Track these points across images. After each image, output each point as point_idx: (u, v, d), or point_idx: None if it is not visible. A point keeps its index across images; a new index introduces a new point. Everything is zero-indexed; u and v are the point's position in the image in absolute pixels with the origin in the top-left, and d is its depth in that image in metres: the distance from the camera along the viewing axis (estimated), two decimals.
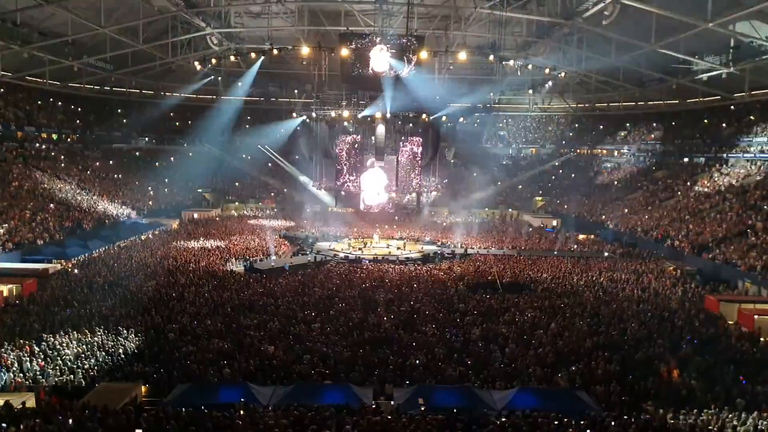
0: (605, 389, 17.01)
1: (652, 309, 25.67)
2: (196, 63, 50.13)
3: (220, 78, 58.96)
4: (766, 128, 48.81)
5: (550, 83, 58.66)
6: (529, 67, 50.97)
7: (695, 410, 15.26)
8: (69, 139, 59.05)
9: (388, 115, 49.20)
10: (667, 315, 24.72)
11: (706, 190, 47.98)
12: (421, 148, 52.51)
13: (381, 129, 50.00)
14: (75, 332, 20.82)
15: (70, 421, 12.98)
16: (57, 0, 36.62)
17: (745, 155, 49.67)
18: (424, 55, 46.74)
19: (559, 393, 16.71)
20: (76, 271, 31.62)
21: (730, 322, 24.47)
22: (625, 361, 19.12)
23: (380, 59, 46.89)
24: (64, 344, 19.51)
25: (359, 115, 49.13)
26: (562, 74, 52.65)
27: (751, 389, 16.70)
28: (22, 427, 12.48)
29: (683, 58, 43.44)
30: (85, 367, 18.00)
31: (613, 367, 18.65)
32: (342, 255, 39.92)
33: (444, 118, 52.41)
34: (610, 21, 42.38)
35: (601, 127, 69.41)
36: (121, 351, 19.44)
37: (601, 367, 18.64)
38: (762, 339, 21.94)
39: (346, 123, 51.00)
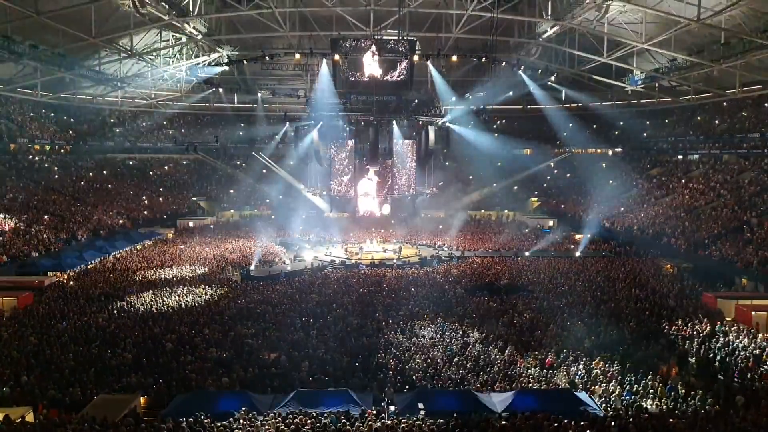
0: (605, 389, 17.03)
1: (650, 307, 25.69)
2: (188, 71, 50.15)
3: (212, 86, 58.87)
4: (759, 124, 49.03)
5: (542, 83, 58.88)
6: (522, 67, 51.15)
7: (694, 407, 15.29)
8: (62, 150, 58.87)
9: (382, 120, 49.37)
10: (665, 313, 24.75)
11: (701, 186, 48.11)
12: (415, 151, 52.69)
13: (375, 133, 50.13)
14: (72, 344, 20.72)
15: None
16: (48, 11, 36.52)
17: (738, 151, 49.86)
18: (416, 58, 46.89)
19: (559, 394, 16.71)
20: (71, 282, 31.47)
21: (727, 319, 24.53)
22: (624, 360, 19.12)
23: (372, 63, 47.07)
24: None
25: (352, 120, 49.25)
26: (555, 74, 52.84)
27: (750, 385, 16.72)
28: None
29: (674, 56, 43.66)
30: (83, 379, 17.90)
31: (612, 366, 18.66)
32: (338, 260, 39.86)
33: (438, 120, 52.54)
34: (600, 20, 42.64)
35: (595, 126, 69.56)
36: (118, 362, 19.33)
37: (600, 366, 18.65)
38: (760, 335, 21.98)
39: (339, 128, 51.11)
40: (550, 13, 42.85)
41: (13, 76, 48.36)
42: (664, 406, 15.62)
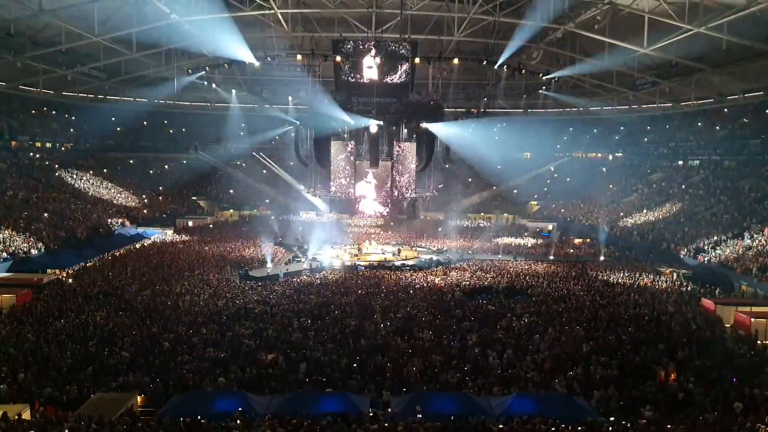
0: (603, 394, 16.97)
1: (649, 313, 25.65)
2: (190, 71, 50.10)
3: (213, 85, 58.85)
4: (759, 130, 49.06)
5: (543, 87, 58.92)
6: (523, 71, 51.12)
7: (692, 414, 15.26)
8: (63, 148, 58.89)
9: (382, 122, 49.33)
10: (664, 318, 24.72)
11: (701, 192, 48.12)
12: (415, 154, 52.65)
13: (375, 135, 50.12)
14: (70, 342, 20.68)
15: None
16: (51, 9, 36.50)
17: (738, 157, 49.88)
18: (417, 60, 46.84)
19: (557, 398, 16.66)
20: (70, 280, 31.42)
21: (727, 325, 24.49)
22: (622, 365, 19.08)
23: (373, 66, 47.05)
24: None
25: (353, 122, 49.21)
26: (556, 78, 52.87)
27: (749, 392, 16.67)
28: None
29: (675, 61, 43.66)
30: (80, 377, 17.85)
31: (611, 371, 18.61)
32: (337, 262, 39.83)
33: (438, 123, 52.52)
34: (602, 25, 42.62)
35: (596, 130, 69.66)
36: (116, 361, 19.29)
37: (598, 372, 18.60)
38: (759, 341, 21.95)
39: (340, 129, 51.08)
40: (552, 16, 42.86)
41: (14, 74, 48.33)
42: (662, 412, 15.56)
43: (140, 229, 49.41)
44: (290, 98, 58.99)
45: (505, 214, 61.86)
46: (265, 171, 63.44)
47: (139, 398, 16.55)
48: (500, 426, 14.05)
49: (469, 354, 20.34)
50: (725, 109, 52.85)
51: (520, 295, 29.52)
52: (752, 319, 23.78)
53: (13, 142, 52.73)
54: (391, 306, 26.85)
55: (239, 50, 47.32)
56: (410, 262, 40.15)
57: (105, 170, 60.86)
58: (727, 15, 32.88)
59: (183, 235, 49.04)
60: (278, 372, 18.61)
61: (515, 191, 66.49)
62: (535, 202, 65.02)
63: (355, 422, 14.16)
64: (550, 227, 55.14)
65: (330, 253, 43.17)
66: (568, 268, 36.87)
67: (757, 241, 35.29)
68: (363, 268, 37.63)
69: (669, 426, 14.02)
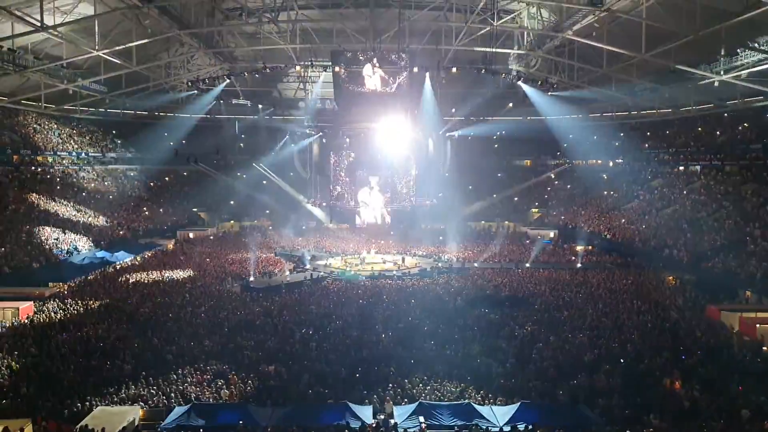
0: (607, 402, 16.86)
1: (653, 320, 25.53)
2: (189, 83, 50.32)
3: (213, 97, 59.05)
4: (760, 135, 48.98)
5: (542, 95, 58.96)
6: (521, 79, 51.29)
7: (699, 422, 15.15)
8: (64, 162, 59.06)
9: (383, 130, 49.50)
10: (668, 326, 24.60)
11: (702, 198, 47.99)
12: (415, 162, 52.80)
13: (375, 144, 50.27)
14: (72, 356, 20.62)
15: None
16: (53, 26, 36.68)
17: (740, 162, 49.76)
18: (415, 69, 46.98)
19: (561, 407, 16.58)
20: (72, 293, 31.35)
21: (732, 332, 24.32)
22: (626, 373, 18.97)
23: (372, 75, 47.28)
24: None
25: (353, 131, 49.39)
26: (555, 86, 52.97)
27: (755, 399, 16.55)
28: None
29: (674, 67, 43.67)
30: (83, 390, 17.77)
31: (615, 379, 18.50)
32: (338, 272, 39.76)
33: (439, 131, 52.68)
34: (600, 32, 42.76)
35: (596, 137, 69.62)
36: (118, 374, 19.24)
37: (602, 380, 18.50)
38: (764, 348, 21.81)
39: (339, 139, 51.29)
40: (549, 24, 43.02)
41: (17, 88, 48.59)
42: (668, 421, 15.46)
43: (141, 241, 49.19)
44: (290, 109, 59.25)
45: (506, 222, 61.77)
46: (265, 182, 63.47)
47: (141, 411, 16.50)
48: None
49: (471, 363, 20.25)
50: (725, 114, 52.78)
51: (523, 304, 29.38)
52: (757, 325, 23.62)
53: (15, 156, 52.83)
54: (393, 316, 26.78)
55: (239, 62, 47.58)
56: (411, 271, 40.06)
57: (106, 183, 60.97)
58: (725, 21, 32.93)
59: (184, 247, 48.92)
60: (280, 383, 18.55)
61: (516, 198, 66.44)
62: (536, 210, 64.90)
63: None
64: (552, 235, 55.02)
65: (331, 263, 43.10)
66: (570, 275, 36.75)
67: (760, 246, 35.14)
68: (364, 278, 37.55)
69: None
